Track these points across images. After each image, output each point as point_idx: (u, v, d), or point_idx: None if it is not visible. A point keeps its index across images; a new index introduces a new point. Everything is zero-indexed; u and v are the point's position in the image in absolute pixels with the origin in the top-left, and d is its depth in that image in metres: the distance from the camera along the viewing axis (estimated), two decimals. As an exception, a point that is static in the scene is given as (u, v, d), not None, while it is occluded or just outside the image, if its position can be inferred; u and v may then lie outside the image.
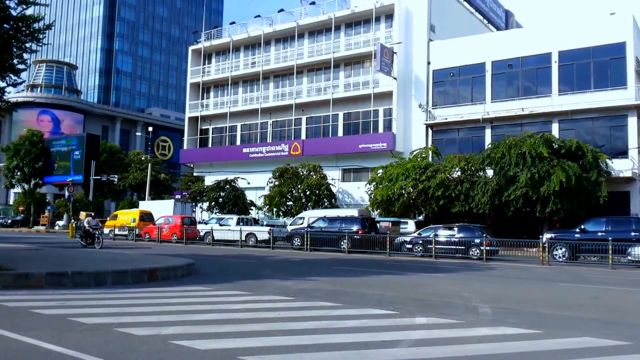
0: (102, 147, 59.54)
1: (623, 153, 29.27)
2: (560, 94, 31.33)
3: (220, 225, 30.59)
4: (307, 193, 35.10)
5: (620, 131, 29.85)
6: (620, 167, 28.76)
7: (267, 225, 31.71)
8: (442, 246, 23.18)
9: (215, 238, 29.34)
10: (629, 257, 19.48)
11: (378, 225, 27.68)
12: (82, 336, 6.00)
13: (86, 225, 23.35)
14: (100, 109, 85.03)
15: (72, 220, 40.71)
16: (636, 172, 28.91)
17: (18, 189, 60.67)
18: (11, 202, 69.31)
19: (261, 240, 28.21)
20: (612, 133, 30.16)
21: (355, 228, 25.74)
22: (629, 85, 29.52)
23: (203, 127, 47.43)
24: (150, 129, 62.34)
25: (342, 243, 25.00)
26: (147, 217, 35.64)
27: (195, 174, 49.38)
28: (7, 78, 13.97)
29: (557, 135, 29.30)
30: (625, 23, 30.20)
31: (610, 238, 19.42)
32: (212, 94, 47.90)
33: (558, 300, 10.38)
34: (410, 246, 24.10)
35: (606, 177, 26.75)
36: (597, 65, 30.61)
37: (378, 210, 31.53)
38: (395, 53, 36.47)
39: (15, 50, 13.67)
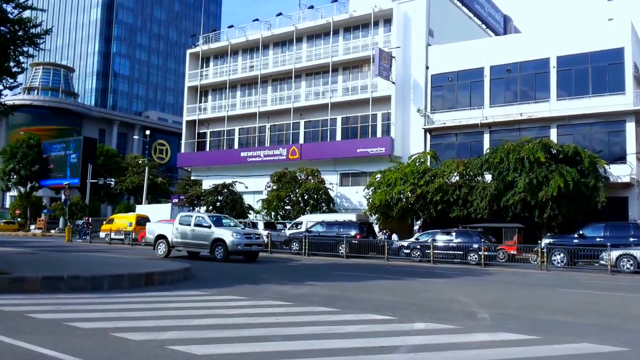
0: (99, 151, 59.38)
1: (621, 158, 29.28)
2: (559, 99, 31.35)
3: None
4: (305, 197, 35.03)
5: (618, 137, 29.88)
6: (618, 172, 28.77)
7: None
8: (440, 251, 23.16)
9: (213, 242, 29.17)
10: (601, 262, 19.55)
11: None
12: (78, 341, 5.95)
13: None
14: (98, 112, 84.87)
15: (69, 224, 40.62)
16: (634, 178, 28.91)
17: (14, 192, 60.55)
18: (7, 206, 69.11)
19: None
20: (610, 138, 30.18)
21: (353, 233, 25.74)
22: (627, 91, 29.54)
23: (201, 131, 47.33)
24: (147, 132, 62.34)
25: (340, 248, 24.96)
26: (143, 221, 35.42)
27: (192, 178, 49.36)
28: (3, 81, 13.91)
29: (555, 141, 29.26)
30: (623, 29, 30.26)
31: (608, 244, 19.46)
32: (210, 97, 47.85)
33: (557, 306, 10.35)
34: (408, 251, 24.08)
35: (604, 182, 26.71)
36: (595, 70, 30.64)
37: (376, 215, 31.47)
38: (394, 57, 36.49)
39: (12, 53, 13.62)
